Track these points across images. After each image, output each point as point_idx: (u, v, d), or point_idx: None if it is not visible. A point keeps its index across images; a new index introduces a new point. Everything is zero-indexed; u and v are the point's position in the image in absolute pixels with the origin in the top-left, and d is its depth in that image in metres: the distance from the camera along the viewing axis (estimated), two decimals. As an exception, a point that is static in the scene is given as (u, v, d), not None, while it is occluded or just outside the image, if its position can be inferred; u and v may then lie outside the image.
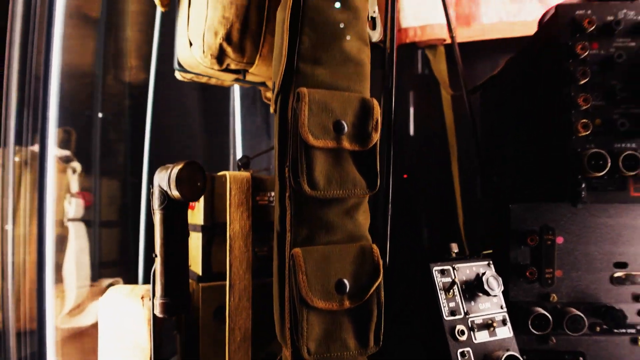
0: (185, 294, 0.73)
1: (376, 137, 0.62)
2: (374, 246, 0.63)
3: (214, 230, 0.87)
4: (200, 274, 0.87)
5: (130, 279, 1.22)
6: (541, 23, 0.85)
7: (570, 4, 0.70)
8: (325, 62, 0.64)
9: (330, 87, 0.63)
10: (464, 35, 1.22)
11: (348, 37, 0.65)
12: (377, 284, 0.61)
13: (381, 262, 0.62)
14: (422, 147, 1.29)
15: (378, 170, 0.63)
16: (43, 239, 1.13)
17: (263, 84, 1.03)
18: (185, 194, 0.68)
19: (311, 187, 0.59)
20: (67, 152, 1.23)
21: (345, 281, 0.60)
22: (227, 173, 0.88)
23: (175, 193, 0.68)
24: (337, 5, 0.67)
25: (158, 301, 0.71)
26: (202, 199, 0.86)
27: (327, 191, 0.60)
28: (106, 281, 1.34)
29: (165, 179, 0.69)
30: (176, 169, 0.68)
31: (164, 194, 0.69)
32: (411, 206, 1.30)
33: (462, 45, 1.23)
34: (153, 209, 0.71)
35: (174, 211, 0.70)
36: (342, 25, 0.64)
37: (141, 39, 1.03)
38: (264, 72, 0.92)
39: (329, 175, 0.60)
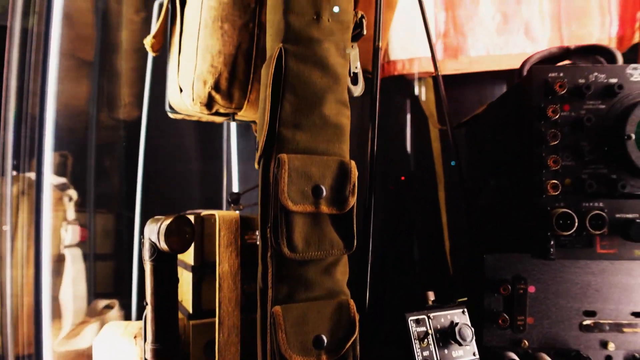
0: (175, 340, 0.76)
1: (353, 200, 0.66)
2: (351, 301, 0.67)
3: (203, 269, 0.91)
4: (191, 311, 0.91)
5: (126, 301, 1.26)
6: (520, 74, 0.88)
7: (543, 66, 0.72)
8: (306, 127, 0.67)
9: (310, 151, 0.66)
10: (451, 67, 1.25)
11: (328, 102, 0.68)
12: (353, 338, 0.65)
13: (357, 317, 0.66)
14: (418, 164, 1.32)
15: (355, 232, 0.66)
16: (40, 265, 1.17)
17: (253, 121, 1.06)
18: (174, 247, 0.71)
19: (290, 250, 0.63)
20: (63, 180, 1.26)
21: (323, 337, 0.64)
22: (216, 214, 0.91)
23: (164, 246, 0.71)
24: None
25: (149, 347, 0.74)
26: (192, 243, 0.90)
27: (305, 253, 0.63)
28: (102, 302, 1.38)
29: (154, 232, 0.72)
30: (165, 223, 0.72)
31: (153, 246, 0.73)
32: (402, 217, 1.33)
33: (451, 75, 1.26)
34: (144, 259, 0.74)
35: (164, 263, 0.74)
36: (322, 91, 0.67)
37: (134, 76, 1.06)
38: (252, 115, 0.95)
39: (308, 237, 0.64)
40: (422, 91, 1.25)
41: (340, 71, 0.70)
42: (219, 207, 1.31)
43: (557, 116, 0.70)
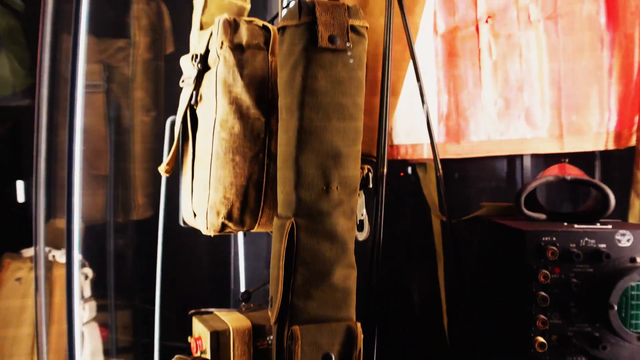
0: None
1: (358, 366, 0.73)
2: None
3: (219, 378, 0.99)
4: (208, 416, 1.00)
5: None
6: (518, 200, 0.92)
7: (537, 231, 0.77)
8: (316, 296, 0.72)
9: (319, 319, 0.72)
10: (453, 151, 1.28)
11: (337, 271, 0.73)
12: None
13: None
14: (418, 246, 1.36)
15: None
16: (73, 338, 1.25)
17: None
18: (194, 390, 0.79)
19: (303, 415, 0.70)
20: (78, 257, 1.33)
21: None
22: (230, 327, 0.99)
23: (185, 389, 0.79)
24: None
25: None
26: (208, 353, 0.98)
27: (316, 415, 0.71)
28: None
29: (176, 375, 0.80)
30: (186, 370, 0.79)
31: (175, 387, 0.81)
32: (400, 292, 1.41)
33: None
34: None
35: (185, 400, 0.81)
36: (331, 263, 0.73)
37: (146, 177, 1.10)
38: (263, 230, 1.00)
39: (318, 402, 0.71)
40: (423, 176, 1.29)
41: (348, 238, 0.75)
42: (227, 287, 1.37)
43: (547, 280, 0.76)
